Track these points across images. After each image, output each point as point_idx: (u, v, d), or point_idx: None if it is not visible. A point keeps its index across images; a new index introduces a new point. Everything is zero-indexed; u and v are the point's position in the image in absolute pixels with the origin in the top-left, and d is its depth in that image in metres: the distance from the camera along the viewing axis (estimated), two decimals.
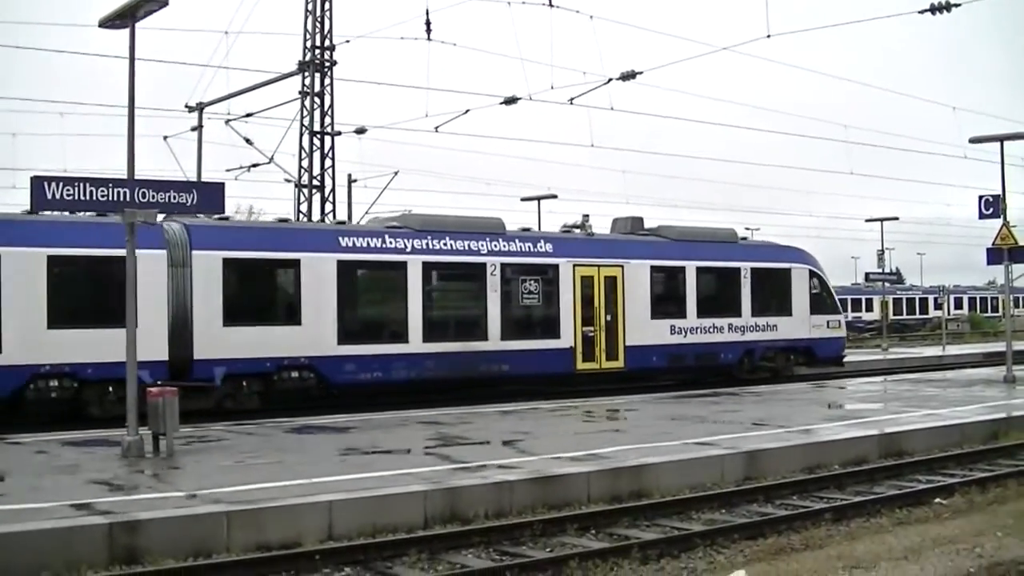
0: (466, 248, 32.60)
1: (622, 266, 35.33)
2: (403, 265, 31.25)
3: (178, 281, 27.93)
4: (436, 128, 40.77)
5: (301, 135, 43.99)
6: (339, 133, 44.55)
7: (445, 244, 32.25)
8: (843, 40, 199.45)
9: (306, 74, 43.42)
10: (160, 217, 23.80)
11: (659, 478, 18.01)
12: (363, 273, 31.64)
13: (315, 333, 29.57)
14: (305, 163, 44.07)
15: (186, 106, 43.20)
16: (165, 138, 42.98)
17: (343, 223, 33.39)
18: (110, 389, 26.01)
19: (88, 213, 26.47)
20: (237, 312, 28.51)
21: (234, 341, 28.26)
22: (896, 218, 67.70)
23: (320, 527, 14.52)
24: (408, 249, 31.49)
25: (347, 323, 30.38)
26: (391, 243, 31.41)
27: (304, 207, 43.75)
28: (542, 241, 34.82)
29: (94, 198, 19.17)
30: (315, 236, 31.35)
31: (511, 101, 38.69)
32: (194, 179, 39.40)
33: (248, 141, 42.96)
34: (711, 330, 37.11)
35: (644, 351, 35.33)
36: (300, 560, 13.35)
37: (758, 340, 38.37)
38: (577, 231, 38.51)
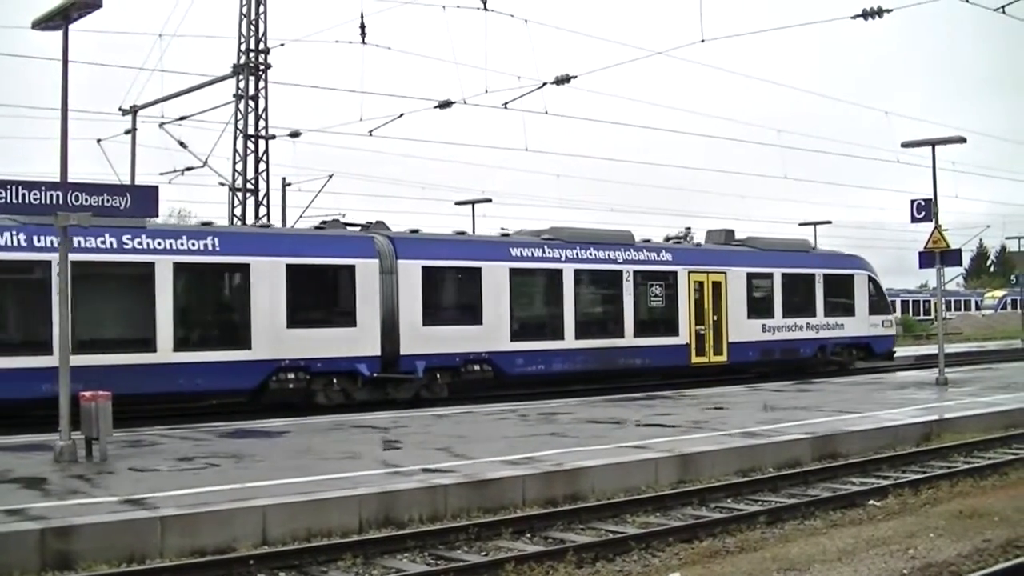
0: (607, 257, 37.50)
1: (725, 273, 40.54)
2: (559, 272, 36.08)
3: (387, 286, 32.13)
4: (370, 132, 40.64)
5: (235, 138, 43.74)
6: (273, 137, 44.33)
7: (590, 254, 37.12)
8: (777, 45, 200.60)
9: (240, 77, 43.18)
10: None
11: (594, 481, 18.06)
12: (528, 279, 36.16)
13: (493, 332, 34.19)
14: (239, 167, 43.81)
15: (120, 109, 42.94)
16: (98, 141, 42.76)
17: (507, 234, 38.11)
18: (334, 380, 30.92)
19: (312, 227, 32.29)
20: (433, 313, 33.10)
21: (431, 338, 32.73)
22: (829, 222, 68.15)
23: (254, 532, 14.44)
24: (563, 258, 36.34)
25: (517, 323, 35.03)
26: (549, 253, 36.20)
27: (238, 211, 43.55)
28: (663, 251, 39.84)
29: (26, 201, 18.88)
30: (492, 247, 35.73)
31: (445, 105, 38.69)
32: (128, 182, 39.09)
33: (182, 144, 42.77)
34: (793, 328, 42.76)
35: (743, 347, 40.57)
36: (234, 565, 13.27)
37: (829, 337, 44.12)
38: (684, 242, 42.92)
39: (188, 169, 44.53)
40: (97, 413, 19.19)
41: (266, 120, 43.88)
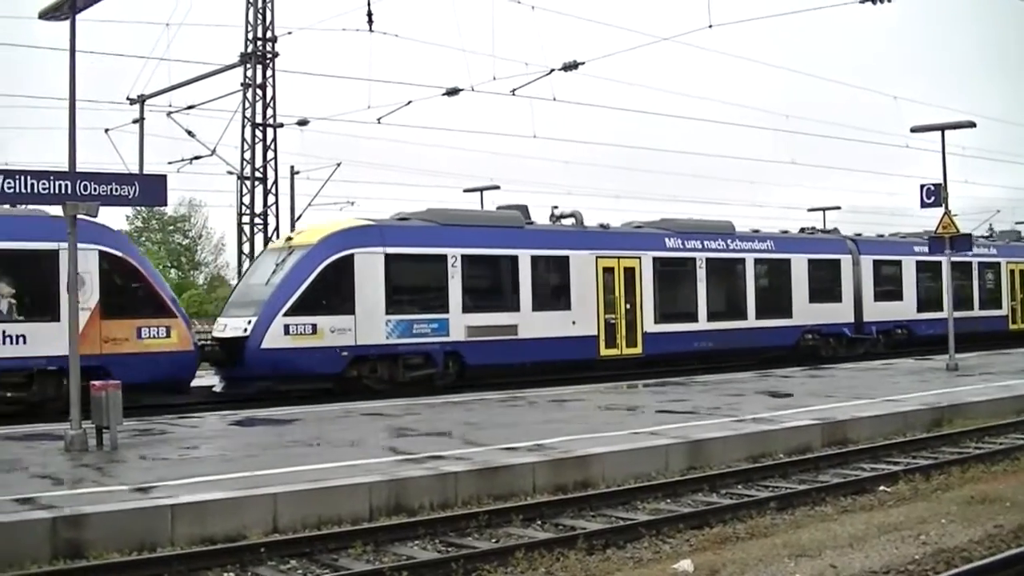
0: (919, 252, 47.82)
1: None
2: (899, 263, 47.66)
3: (856, 274, 44.85)
4: (379, 119, 40.61)
5: (243, 127, 43.84)
6: (281, 125, 44.39)
7: (916, 251, 47.68)
8: (785, 30, 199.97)
9: (248, 66, 43.23)
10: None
11: (604, 468, 18.04)
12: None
13: (908, 306, 47.11)
14: (247, 155, 43.92)
15: (127, 99, 42.88)
16: (106, 131, 42.72)
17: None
18: (830, 340, 43.37)
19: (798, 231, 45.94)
20: (878, 292, 45.81)
21: (877, 310, 45.49)
22: (838, 207, 67.86)
23: (265, 520, 14.43)
24: (905, 254, 48.09)
25: (920, 299, 47.41)
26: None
27: (247, 199, 43.56)
28: (991, 247, 52.69)
29: (35, 191, 18.90)
30: (905, 246, 48.10)
31: (453, 92, 38.68)
32: (136, 172, 39.05)
33: (190, 133, 42.77)
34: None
35: None
36: (245, 553, 13.26)
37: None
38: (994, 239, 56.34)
39: (196, 158, 44.56)
40: (108, 402, 19.15)
41: (274, 108, 43.97)
